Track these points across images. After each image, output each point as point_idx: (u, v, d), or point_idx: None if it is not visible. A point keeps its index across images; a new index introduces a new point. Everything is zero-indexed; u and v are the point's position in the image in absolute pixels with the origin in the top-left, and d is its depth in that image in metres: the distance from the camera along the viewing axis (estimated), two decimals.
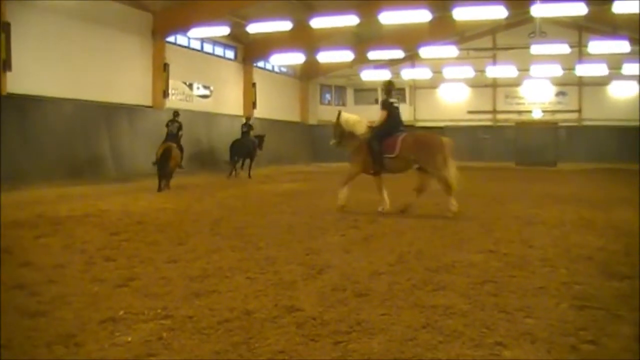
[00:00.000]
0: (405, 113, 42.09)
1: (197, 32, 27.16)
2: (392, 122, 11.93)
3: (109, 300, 4.95)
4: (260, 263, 6.46)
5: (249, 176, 23.99)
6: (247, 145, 24.39)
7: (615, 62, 35.02)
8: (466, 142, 34.49)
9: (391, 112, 12.01)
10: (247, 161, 24.53)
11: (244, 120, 27.00)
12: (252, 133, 25.38)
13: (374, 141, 11.53)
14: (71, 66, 21.08)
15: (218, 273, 5.97)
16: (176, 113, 18.62)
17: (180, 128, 18.16)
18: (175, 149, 17.12)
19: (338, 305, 4.76)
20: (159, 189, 16.40)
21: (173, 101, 26.09)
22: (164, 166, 16.70)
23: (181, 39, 28.08)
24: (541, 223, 9.96)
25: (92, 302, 4.87)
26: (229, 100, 31.71)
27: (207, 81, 29.74)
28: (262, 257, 6.81)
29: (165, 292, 5.18)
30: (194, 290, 5.26)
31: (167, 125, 18.35)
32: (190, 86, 28.48)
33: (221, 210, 11.88)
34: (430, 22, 26.26)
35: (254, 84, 33.82)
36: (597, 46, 32.59)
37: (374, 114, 37.84)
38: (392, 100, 12.29)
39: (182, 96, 27.48)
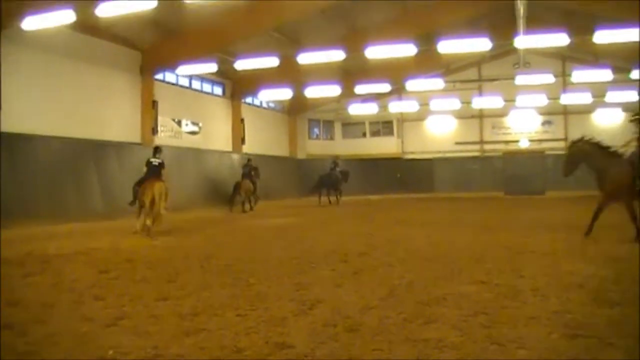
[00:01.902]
0: (393, 145, 42.49)
1: (185, 69, 27.30)
2: None
3: (98, 339, 4.91)
4: (250, 299, 6.42)
5: (338, 203, 30.13)
6: (333, 179, 30.15)
7: (599, 90, 35.54)
8: (454, 173, 34.64)
9: None
10: (335, 191, 30.42)
11: (331, 160, 32.64)
12: (338, 169, 30.56)
13: None
14: (60, 103, 21.19)
15: (208, 310, 5.93)
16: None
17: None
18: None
19: (329, 341, 4.73)
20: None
21: (162, 138, 26.12)
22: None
23: (170, 76, 28.21)
24: (531, 252, 9.97)
25: (81, 342, 4.83)
26: (217, 136, 31.77)
27: (195, 117, 29.83)
28: (252, 293, 6.78)
29: (155, 331, 5.14)
30: (184, 328, 5.22)
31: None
32: (179, 123, 28.55)
33: (211, 247, 11.83)
34: (416, 55, 26.47)
35: (242, 120, 33.93)
36: (581, 75, 33.02)
37: (362, 146, 38.22)
38: None
39: (170, 133, 27.53)
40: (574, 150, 12.46)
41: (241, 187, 25.60)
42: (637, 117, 12.54)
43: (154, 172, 16.20)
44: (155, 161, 16.44)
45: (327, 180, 30.23)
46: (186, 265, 9.18)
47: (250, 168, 26.61)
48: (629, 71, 32.09)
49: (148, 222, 14.73)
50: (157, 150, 17.14)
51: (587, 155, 12.16)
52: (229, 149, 32.81)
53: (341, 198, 30.91)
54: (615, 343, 4.55)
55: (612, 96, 36.04)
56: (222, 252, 10.79)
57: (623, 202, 11.56)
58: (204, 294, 6.78)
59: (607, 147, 12.35)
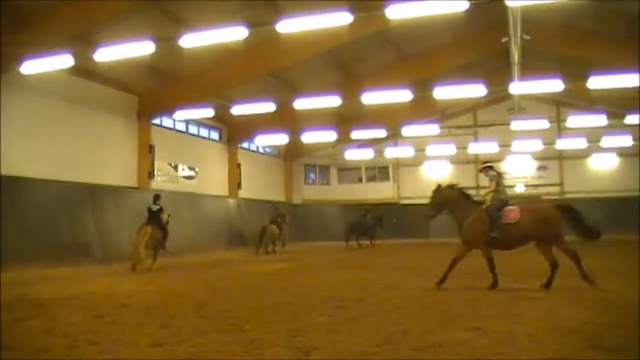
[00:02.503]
0: (389, 190, 42.56)
1: (182, 114, 27.48)
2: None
3: None
4: (245, 346, 6.36)
5: (372, 246, 31.99)
6: (363, 225, 31.88)
7: (594, 135, 35.84)
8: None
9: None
10: (366, 236, 32.21)
11: (362, 210, 33.28)
12: (369, 216, 32.23)
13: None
14: (57, 147, 21.29)
15: (203, 356, 5.88)
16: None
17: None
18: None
19: None
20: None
21: (158, 182, 26.17)
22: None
23: (166, 121, 28.36)
24: (527, 297, 9.92)
25: None
26: (213, 181, 31.86)
27: (192, 162, 29.92)
28: (247, 339, 6.72)
29: None
30: None
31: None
32: (176, 167, 28.64)
33: (206, 292, 11.77)
34: (412, 101, 26.74)
35: (238, 165, 34.07)
36: (576, 120, 33.44)
37: (358, 192, 38.22)
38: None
39: (167, 177, 27.60)
40: (438, 195, 12.65)
41: (267, 231, 27.16)
42: (486, 165, 12.72)
43: (153, 217, 17.61)
44: (155, 207, 17.55)
45: (357, 227, 31.89)
46: (181, 311, 9.12)
47: (278, 214, 28.85)
48: (623, 116, 32.39)
49: (134, 262, 16.79)
50: (156, 197, 18.47)
51: (449, 201, 12.41)
52: (225, 193, 32.87)
53: (375, 242, 32.68)
54: None
55: (607, 141, 36.36)
56: (218, 298, 10.73)
57: (481, 250, 11.76)
58: (198, 340, 6.71)
59: (469, 196, 12.69)
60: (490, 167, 12.60)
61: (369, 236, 32.39)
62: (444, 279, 11.57)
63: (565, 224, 11.99)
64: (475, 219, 11.84)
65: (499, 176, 12.53)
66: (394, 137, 39.78)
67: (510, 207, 12.00)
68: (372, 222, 32.37)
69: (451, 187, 12.64)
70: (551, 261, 11.56)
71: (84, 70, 21.89)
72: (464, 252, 12.03)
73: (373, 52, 28.43)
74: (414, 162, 43.13)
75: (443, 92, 26.28)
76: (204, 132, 32.04)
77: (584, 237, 12.21)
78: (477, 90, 26.01)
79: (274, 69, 26.48)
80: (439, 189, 12.72)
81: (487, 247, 11.84)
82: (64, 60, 18.79)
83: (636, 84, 24.03)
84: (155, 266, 17.19)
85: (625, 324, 7.18)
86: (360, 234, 32.07)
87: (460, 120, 41.11)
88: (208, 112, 27.57)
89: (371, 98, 26.15)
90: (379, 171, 44.24)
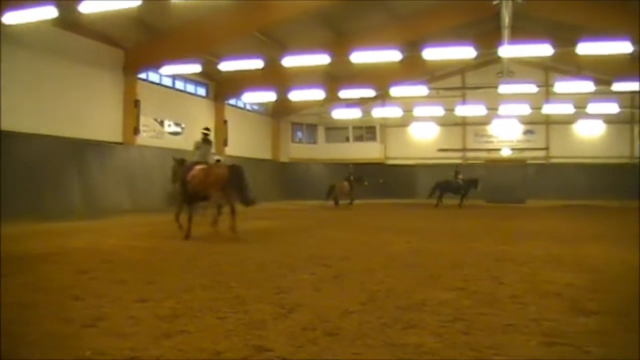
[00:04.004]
0: (376, 151, 42.59)
1: (169, 69, 27.24)
2: None
3: (75, 340, 4.87)
4: (230, 302, 6.39)
5: (460, 206, 32.25)
6: (452, 185, 32.99)
7: (580, 102, 35.89)
8: (437, 180, 34.77)
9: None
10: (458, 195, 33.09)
11: (454, 169, 34.56)
12: (459, 176, 33.33)
13: None
14: (40, 101, 21.06)
15: (188, 313, 5.89)
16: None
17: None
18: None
19: (308, 345, 4.72)
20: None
21: (144, 138, 26.04)
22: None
23: (153, 76, 28.12)
24: (510, 260, 9.99)
25: (58, 343, 4.79)
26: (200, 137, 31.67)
27: (178, 118, 29.76)
28: (232, 296, 6.75)
29: (134, 332, 5.11)
30: (163, 330, 5.19)
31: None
32: (162, 123, 28.47)
33: (192, 249, 11.77)
34: (401, 61, 26.64)
35: (225, 122, 33.90)
36: (563, 86, 33.48)
37: (345, 151, 38.37)
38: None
39: (153, 133, 27.46)
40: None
41: (336, 187, 31.28)
42: (203, 132, 15.20)
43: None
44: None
45: (445, 186, 32.95)
46: (167, 267, 9.14)
47: (350, 173, 31.97)
48: (610, 83, 32.41)
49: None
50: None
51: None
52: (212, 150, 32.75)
53: (464, 203, 33.22)
54: (591, 351, 4.58)
55: (593, 107, 36.40)
56: (204, 255, 10.73)
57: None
58: (184, 296, 6.73)
59: (183, 161, 16.06)
60: (204, 134, 14.99)
61: (461, 195, 33.25)
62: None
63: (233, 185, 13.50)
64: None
65: (197, 143, 14.86)
66: (382, 97, 39.71)
67: (197, 167, 13.76)
68: (462, 183, 33.20)
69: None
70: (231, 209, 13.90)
71: (69, 22, 21.57)
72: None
73: (364, 12, 28.17)
74: (402, 123, 43.10)
75: (432, 53, 26.19)
76: (190, 88, 31.83)
77: (241, 202, 13.88)
78: (466, 52, 25.96)
79: (262, 25, 26.22)
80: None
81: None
82: (47, 12, 18.53)
83: (625, 51, 24.06)
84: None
85: (606, 288, 7.27)
86: (447, 192, 33.06)
87: (448, 82, 41.01)
88: (195, 68, 27.38)
89: (360, 57, 26.04)
90: (367, 131, 44.20)
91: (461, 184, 32.87)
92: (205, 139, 15.09)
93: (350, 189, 31.70)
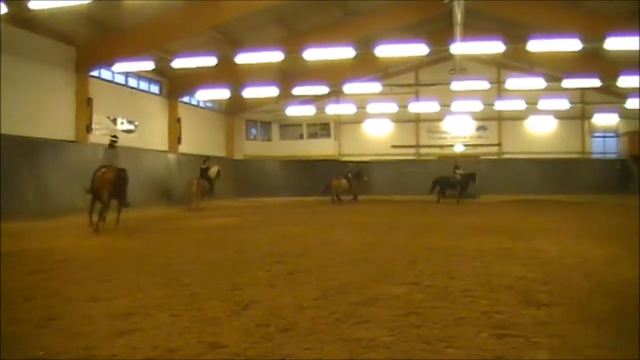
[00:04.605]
0: (330, 147, 42.64)
1: (122, 67, 26.93)
2: None
3: (28, 341, 4.85)
4: (184, 300, 6.40)
5: (458, 203, 31.11)
6: (451, 181, 32.43)
7: (532, 98, 36.43)
8: (391, 176, 35.05)
9: None
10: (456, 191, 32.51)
11: (453, 164, 33.97)
12: (458, 172, 32.63)
13: None
14: None
15: (142, 311, 5.90)
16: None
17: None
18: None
19: (262, 341, 4.77)
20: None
21: (97, 136, 25.70)
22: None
23: (105, 73, 27.77)
24: (463, 254, 10.13)
25: (11, 344, 4.76)
26: (153, 135, 31.44)
27: (131, 116, 29.44)
28: (186, 293, 6.76)
29: (87, 332, 5.10)
30: (117, 329, 5.19)
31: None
32: (115, 121, 28.14)
33: (147, 247, 11.73)
34: (354, 59, 26.73)
35: (179, 119, 33.63)
36: (515, 83, 33.90)
37: (300, 148, 38.29)
38: None
39: (106, 131, 27.07)
40: None
41: (333, 184, 32.85)
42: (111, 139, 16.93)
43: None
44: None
45: (444, 181, 32.53)
46: (120, 266, 9.10)
47: (349, 170, 34.31)
48: (560, 80, 33.01)
49: None
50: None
51: None
52: (165, 148, 32.51)
53: (465, 199, 32.54)
54: (540, 342, 4.71)
55: (544, 104, 37.01)
56: (158, 253, 10.70)
57: None
58: (137, 294, 6.73)
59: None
60: (111, 141, 16.85)
61: (460, 191, 32.82)
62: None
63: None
64: None
65: (105, 148, 16.81)
66: (336, 94, 39.75)
67: (101, 170, 15.38)
68: (459, 178, 32.88)
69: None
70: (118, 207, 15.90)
71: (19, 18, 21.18)
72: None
73: (317, 9, 28.20)
74: (356, 120, 43.21)
75: (386, 50, 26.31)
76: (144, 85, 31.48)
77: (118, 203, 16.00)
78: (419, 49, 26.14)
79: (216, 22, 26.05)
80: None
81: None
82: None
83: (574, 48, 24.54)
84: None
85: (557, 280, 7.42)
86: (446, 188, 32.79)
87: (402, 79, 41.27)
88: (148, 65, 27.09)
89: (314, 54, 26.03)
90: (321, 128, 44.17)
91: (458, 179, 32.70)
92: (111, 145, 16.81)
93: (349, 186, 33.43)
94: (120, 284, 7.38)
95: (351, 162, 37.13)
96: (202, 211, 26.01)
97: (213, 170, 29.23)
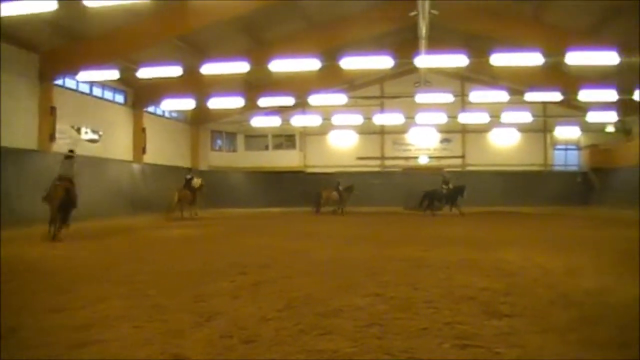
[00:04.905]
0: (296, 159, 42.66)
1: (86, 75, 26.71)
2: None
3: None
4: (148, 311, 6.35)
5: (456, 212, 31.91)
6: (437, 194, 32.97)
7: (495, 111, 36.88)
8: (356, 188, 35.12)
9: None
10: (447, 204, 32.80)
11: (442, 177, 34.24)
12: (445, 186, 32.98)
13: None
14: None
15: (104, 322, 5.83)
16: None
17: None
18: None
19: (226, 353, 4.75)
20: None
21: (60, 145, 25.42)
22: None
23: (69, 82, 27.51)
24: (427, 266, 10.14)
25: None
26: (118, 145, 31.19)
27: (95, 125, 29.18)
28: (150, 304, 6.71)
29: (48, 343, 5.03)
30: (79, 340, 5.12)
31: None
32: (79, 130, 27.87)
33: (110, 257, 11.63)
34: (320, 70, 26.81)
35: (144, 129, 33.43)
36: (479, 95, 34.30)
37: (265, 159, 38.16)
38: None
39: (69, 140, 26.82)
40: None
41: (323, 195, 34.33)
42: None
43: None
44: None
45: (433, 195, 33.07)
46: (83, 277, 8.99)
47: (339, 183, 35.03)
48: (523, 93, 33.47)
49: None
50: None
51: None
52: (130, 158, 32.26)
53: (456, 210, 32.41)
54: (502, 352, 4.75)
55: (507, 116, 37.49)
56: (122, 263, 10.62)
57: None
58: (100, 305, 6.66)
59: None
60: (68, 153, 16.95)
61: (451, 204, 32.98)
62: None
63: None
64: None
65: (62, 159, 16.87)
66: (302, 105, 39.74)
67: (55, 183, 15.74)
68: (444, 192, 33.25)
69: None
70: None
71: None
72: None
73: (282, 20, 28.28)
74: (321, 131, 43.25)
75: (351, 63, 26.47)
76: (108, 94, 31.23)
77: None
78: (384, 61, 26.33)
79: (182, 32, 26.01)
80: None
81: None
82: None
83: (536, 62, 24.96)
84: None
85: (520, 291, 7.47)
86: (434, 200, 33.15)
87: (367, 90, 41.48)
88: (113, 74, 26.91)
89: (279, 65, 26.10)
90: (286, 139, 44.18)
91: (446, 193, 33.04)
92: (68, 157, 16.96)
93: (339, 198, 34.36)
94: (82, 295, 7.30)
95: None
96: (184, 220, 26.12)
97: (196, 182, 30.01)
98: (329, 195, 34.37)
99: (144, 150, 33.41)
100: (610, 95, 30.43)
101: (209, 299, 7.06)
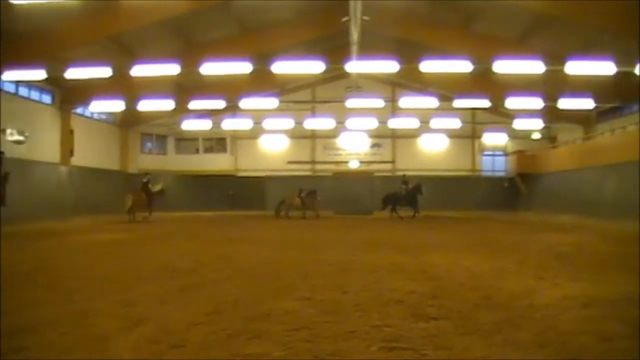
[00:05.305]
0: (226, 162, 42.48)
1: (11, 75, 26.05)
2: None
3: None
4: (73, 317, 6.24)
5: (414, 217, 32.60)
6: (398, 196, 33.70)
7: (425, 117, 37.44)
8: (286, 192, 35.24)
9: None
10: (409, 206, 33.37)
11: (401, 178, 35.16)
12: (404, 186, 33.80)
13: None
14: None
15: (27, 329, 5.71)
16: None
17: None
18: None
19: (153, 358, 4.74)
20: None
21: None
22: None
23: None
24: (356, 269, 10.22)
25: None
26: (45, 147, 30.47)
27: (21, 126, 28.45)
28: (76, 310, 6.60)
29: None
30: (3, 347, 5.03)
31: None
32: (3, 131, 27.16)
33: (35, 261, 11.38)
34: (251, 74, 26.79)
35: (71, 131, 32.77)
36: (409, 101, 34.77)
37: (195, 162, 37.97)
38: None
39: None
40: None
41: (287, 201, 35.01)
42: None
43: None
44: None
45: (393, 197, 33.78)
46: (5, 282, 8.80)
47: (301, 190, 35.24)
48: (452, 100, 34.08)
49: None
50: None
51: None
52: (57, 160, 31.59)
53: (417, 213, 33.20)
54: (429, 354, 4.85)
55: (437, 122, 38.15)
56: (47, 268, 10.41)
57: None
58: (23, 311, 6.54)
59: None
60: None
61: (413, 206, 33.39)
62: None
63: None
64: None
65: None
66: (233, 109, 39.57)
67: None
68: (405, 193, 33.72)
69: None
70: None
71: None
72: None
73: (214, 23, 28.15)
74: (252, 135, 43.23)
75: (282, 67, 26.51)
76: (35, 95, 30.53)
77: None
78: (316, 66, 26.48)
79: (112, 33, 25.66)
80: None
81: None
82: None
83: (465, 70, 25.48)
84: None
85: (447, 294, 7.61)
86: (395, 203, 33.65)
87: (299, 95, 41.70)
88: (40, 74, 26.31)
89: (211, 69, 25.96)
90: (217, 142, 43.92)
91: (405, 193, 33.58)
92: None
93: (301, 203, 34.83)
94: (4, 301, 7.14)
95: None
96: (133, 223, 26.15)
97: (158, 187, 31.62)
98: (291, 201, 34.83)
99: (71, 153, 32.75)
100: (536, 103, 31.36)
101: (136, 304, 6.98)
